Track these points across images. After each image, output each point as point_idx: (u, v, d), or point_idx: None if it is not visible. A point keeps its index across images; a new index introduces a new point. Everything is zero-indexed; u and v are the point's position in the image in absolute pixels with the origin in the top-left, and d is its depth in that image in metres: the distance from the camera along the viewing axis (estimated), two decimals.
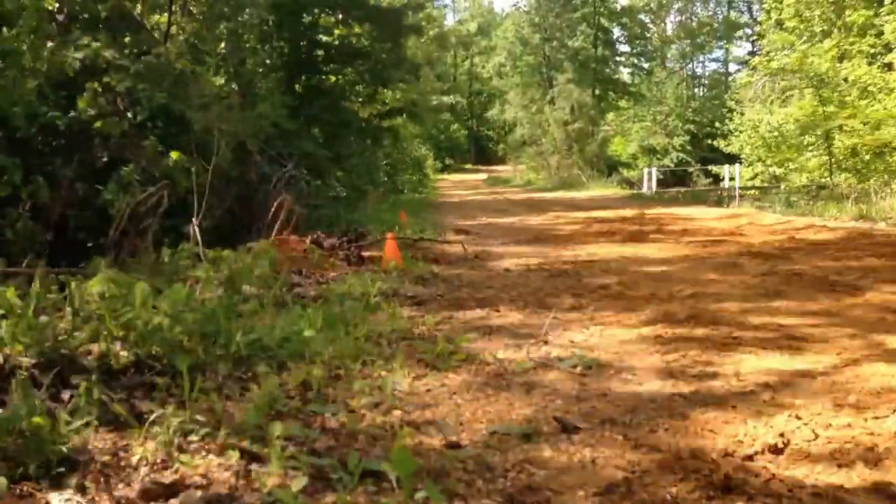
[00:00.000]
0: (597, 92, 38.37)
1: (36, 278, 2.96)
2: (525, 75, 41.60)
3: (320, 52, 15.19)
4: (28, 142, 6.88)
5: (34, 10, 5.91)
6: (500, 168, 46.26)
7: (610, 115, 40.65)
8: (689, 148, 35.59)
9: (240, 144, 10.69)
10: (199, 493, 1.90)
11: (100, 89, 7.31)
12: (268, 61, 14.16)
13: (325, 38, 15.17)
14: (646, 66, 45.29)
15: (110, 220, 6.63)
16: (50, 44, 6.80)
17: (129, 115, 7.33)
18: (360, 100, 16.14)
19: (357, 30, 14.92)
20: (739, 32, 46.18)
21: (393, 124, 16.81)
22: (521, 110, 40.01)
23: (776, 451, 2.36)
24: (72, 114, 6.90)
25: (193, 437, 2.21)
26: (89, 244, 6.55)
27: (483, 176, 44.65)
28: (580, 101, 35.44)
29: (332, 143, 14.63)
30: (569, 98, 35.33)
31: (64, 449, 2.00)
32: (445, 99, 37.40)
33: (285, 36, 14.41)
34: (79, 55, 7.21)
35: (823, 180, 18.22)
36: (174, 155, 7.18)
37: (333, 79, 15.72)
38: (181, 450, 2.13)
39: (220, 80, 9.67)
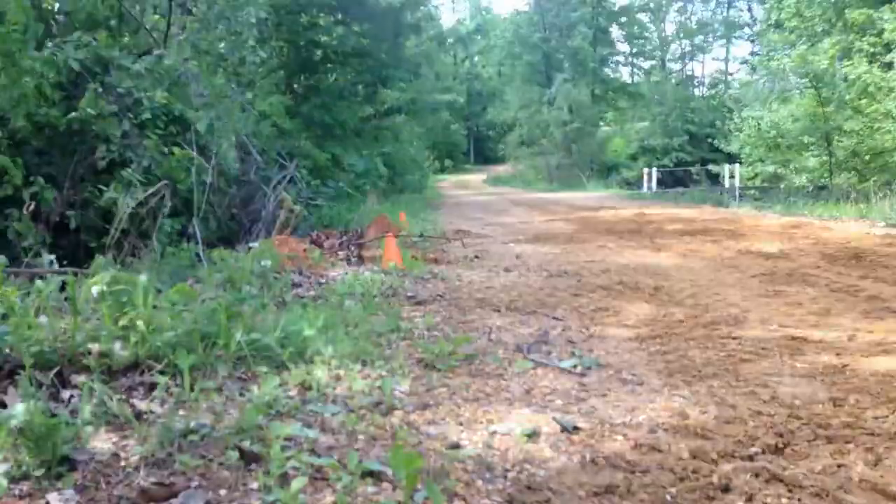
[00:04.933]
0: (596, 92, 38.37)
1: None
2: (524, 75, 41.57)
3: (319, 52, 15.20)
4: (28, 142, 6.87)
5: (19, 7, 5.88)
6: (500, 168, 46.25)
7: (609, 115, 40.67)
8: (688, 148, 35.55)
9: (240, 144, 10.69)
10: (199, 493, 1.90)
11: (100, 89, 7.28)
12: (266, 61, 14.14)
13: (324, 38, 15.19)
14: (645, 65, 45.32)
15: (112, 220, 6.66)
16: (49, 44, 6.78)
17: (130, 115, 7.29)
18: (359, 99, 16.15)
19: (356, 29, 14.91)
20: (739, 32, 46.23)
21: (393, 123, 16.82)
22: (521, 110, 40.00)
23: (776, 451, 2.36)
24: (72, 114, 6.87)
25: (194, 437, 2.21)
26: (91, 244, 6.54)
27: (483, 176, 44.67)
28: (578, 101, 35.42)
29: (332, 143, 14.63)
30: (567, 98, 35.31)
31: (64, 449, 1.99)
32: (444, 97, 37.29)
33: (284, 36, 14.41)
34: (79, 55, 7.20)
35: (823, 180, 18.22)
36: (177, 153, 7.17)
37: (332, 78, 15.72)
38: (181, 450, 2.13)
39: (219, 80, 9.62)
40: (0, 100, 6.18)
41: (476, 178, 43.70)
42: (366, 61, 15.06)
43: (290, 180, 11.79)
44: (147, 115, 7.33)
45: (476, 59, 57.29)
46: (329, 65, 15.40)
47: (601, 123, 38.67)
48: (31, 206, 6.38)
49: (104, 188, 6.72)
